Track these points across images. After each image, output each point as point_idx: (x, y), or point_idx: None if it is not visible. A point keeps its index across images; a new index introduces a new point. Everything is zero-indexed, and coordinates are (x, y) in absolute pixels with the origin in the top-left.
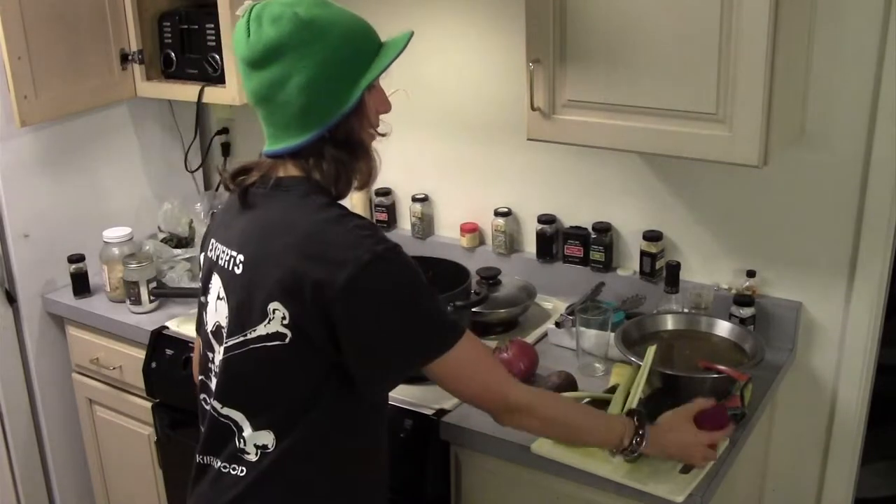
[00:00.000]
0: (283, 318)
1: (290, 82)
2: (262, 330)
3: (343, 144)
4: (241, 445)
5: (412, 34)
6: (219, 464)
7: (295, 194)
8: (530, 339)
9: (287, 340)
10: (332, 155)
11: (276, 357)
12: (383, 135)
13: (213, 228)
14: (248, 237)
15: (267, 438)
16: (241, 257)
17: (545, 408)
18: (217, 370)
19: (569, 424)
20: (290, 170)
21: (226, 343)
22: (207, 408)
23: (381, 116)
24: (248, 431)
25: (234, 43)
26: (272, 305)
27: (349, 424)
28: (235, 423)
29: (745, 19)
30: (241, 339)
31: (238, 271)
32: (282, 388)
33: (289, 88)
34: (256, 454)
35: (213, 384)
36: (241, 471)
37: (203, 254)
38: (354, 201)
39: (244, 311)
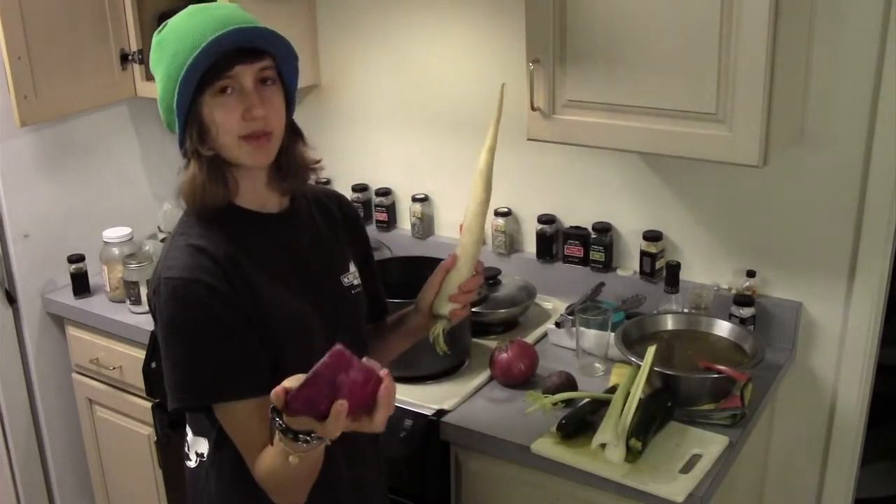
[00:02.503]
0: None
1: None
2: None
3: (191, 160)
4: (186, 450)
5: (227, 33)
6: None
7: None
8: (530, 339)
9: None
10: (186, 171)
11: None
12: (208, 153)
13: None
14: None
15: (203, 446)
16: None
17: (275, 486)
18: None
19: (287, 478)
20: None
21: None
22: None
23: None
24: (190, 436)
25: None
26: None
27: None
28: (186, 424)
29: (745, 19)
30: None
31: None
32: None
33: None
34: (195, 461)
35: None
36: (188, 475)
37: None
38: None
39: None
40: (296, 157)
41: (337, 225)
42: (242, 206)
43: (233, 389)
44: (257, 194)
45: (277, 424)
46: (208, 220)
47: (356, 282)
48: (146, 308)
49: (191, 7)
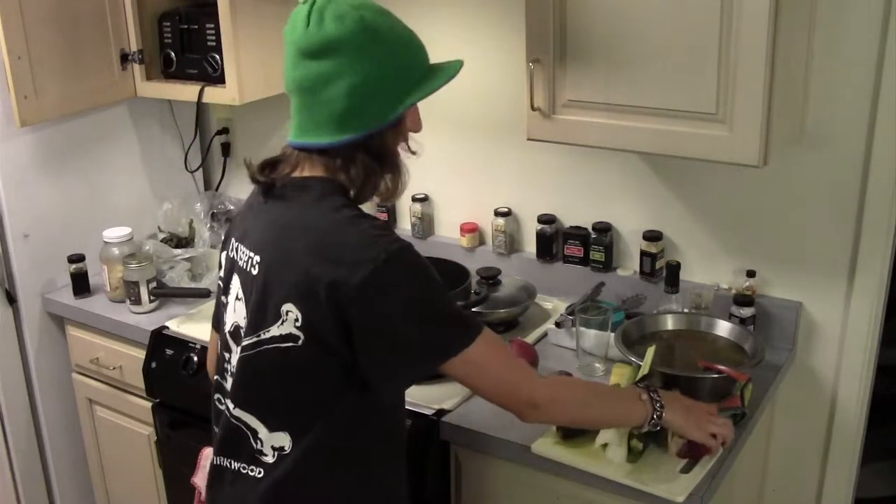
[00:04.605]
0: (297, 319)
1: (338, 81)
2: (275, 331)
3: (376, 154)
4: (259, 447)
5: (462, 63)
6: (236, 465)
7: (313, 195)
8: (530, 339)
9: (300, 343)
10: (363, 161)
11: (289, 359)
12: (414, 153)
13: (233, 228)
14: (265, 238)
15: (283, 440)
16: (257, 258)
17: (566, 400)
18: (233, 371)
19: (592, 413)
20: (315, 167)
21: (242, 343)
22: (222, 408)
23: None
24: (263, 433)
25: (289, 28)
26: (286, 307)
27: (365, 426)
28: (247, 425)
29: (745, 19)
30: (255, 339)
31: (255, 272)
32: (295, 390)
33: (335, 87)
34: (273, 456)
35: (228, 385)
36: (259, 472)
37: (224, 253)
38: None
39: (259, 312)
40: None
41: None
42: None
43: (477, 322)
44: None
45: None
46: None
47: None
48: (146, 308)
49: (386, 9)
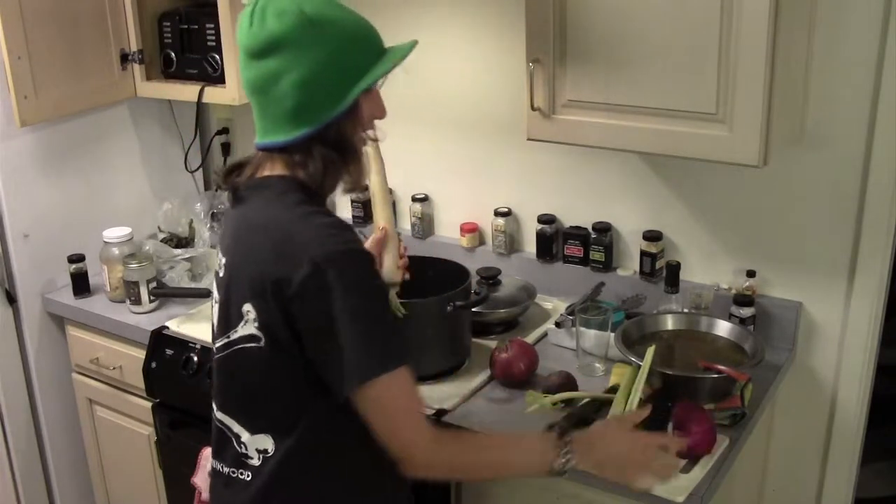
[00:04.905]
0: (255, 319)
1: (285, 78)
2: (240, 331)
3: (333, 145)
4: (244, 450)
5: (416, 43)
6: (226, 469)
7: (272, 193)
8: (530, 339)
9: (262, 343)
10: (321, 154)
11: (256, 359)
12: (374, 140)
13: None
14: (230, 239)
15: (266, 443)
16: (224, 260)
17: (446, 461)
18: (214, 374)
19: (483, 468)
20: (276, 166)
21: (216, 345)
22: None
23: (377, 122)
24: (246, 436)
25: (237, 31)
26: (245, 307)
27: (350, 427)
28: (230, 428)
29: (745, 19)
30: (226, 340)
31: (221, 274)
32: (269, 391)
33: (284, 84)
34: (259, 458)
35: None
36: (248, 475)
37: None
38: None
39: (226, 313)
40: None
41: None
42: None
43: (405, 354)
44: None
45: (562, 461)
46: (317, 203)
47: None
48: (146, 308)
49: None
